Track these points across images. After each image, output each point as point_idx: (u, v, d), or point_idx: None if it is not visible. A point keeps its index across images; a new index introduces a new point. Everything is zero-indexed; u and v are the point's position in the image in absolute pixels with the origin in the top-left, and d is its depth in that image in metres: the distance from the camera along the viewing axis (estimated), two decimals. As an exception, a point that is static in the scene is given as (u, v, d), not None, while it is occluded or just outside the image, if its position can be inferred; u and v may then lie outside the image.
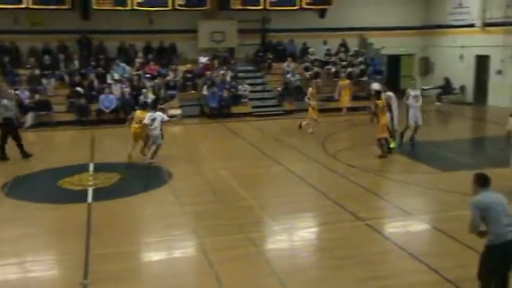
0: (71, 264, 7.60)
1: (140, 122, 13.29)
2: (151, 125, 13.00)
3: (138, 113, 13.66)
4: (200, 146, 16.07)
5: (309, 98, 17.41)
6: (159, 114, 13.21)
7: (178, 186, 11.42)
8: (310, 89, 17.75)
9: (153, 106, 14.17)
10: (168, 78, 21.58)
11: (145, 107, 14.39)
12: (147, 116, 13.11)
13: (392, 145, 13.89)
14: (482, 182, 5.79)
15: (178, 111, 20.01)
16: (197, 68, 22.57)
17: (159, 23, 22.93)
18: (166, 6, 22.14)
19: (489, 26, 22.60)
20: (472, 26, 23.32)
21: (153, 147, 13.20)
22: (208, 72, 21.87)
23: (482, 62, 23.36)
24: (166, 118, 13.52)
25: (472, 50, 23.60)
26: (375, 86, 18.22)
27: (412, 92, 15.05)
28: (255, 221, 9.22)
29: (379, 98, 13.75)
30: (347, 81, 20.35)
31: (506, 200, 5.73)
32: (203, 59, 22.92)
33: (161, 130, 13.29)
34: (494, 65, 22.60)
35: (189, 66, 22.37)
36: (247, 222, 9.06)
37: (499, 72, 22.22)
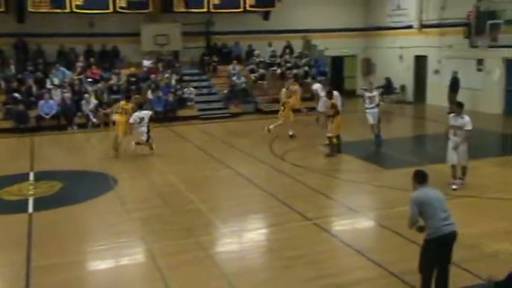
0: (10, 277, 7.30)
1: (123, 112, 14.19)
2: (140, 123, 14.03)
3: (123, 103, 14.53)
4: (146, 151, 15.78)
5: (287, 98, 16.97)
6: (146, 113, 14.34)
7: (123, 193, 11.19)
8: (284, 90, 17.25)
9: (140, 106, 14.89)
10: (111, 82, 21.12)
11: (128, 98, 15.09)
12: (134, 115, 14.02)
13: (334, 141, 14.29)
14: (420, 178, 6.04)
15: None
16: (141, 72, 22.22)
17: (100, 26, 22.43)
18: (107, 9, 21.63)
19: (426, 27, 23.48)
20: (410, 27, 24.16)
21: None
22: (152, 76, 21.59)
23: (420, 62, 24.25)
24: (151, 113, 14.97)
25: (411, 51, 24.47)
26: (316, 86, 18.59)
27: (367, 94, 15.52)
28: (203, 224, 9.16)
29: (331, 98, 14.06)
30: (296, 86, 20.15)
31: (443, 196, 5.99)
32: (147, 63, 22.61)
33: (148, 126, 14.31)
34: (431, 65, 23.49)
35: (132, 69, 21.99)
36: (196, 226, 8.99)
37: (436, 72, 23.13)
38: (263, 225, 9.44)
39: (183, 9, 22.55)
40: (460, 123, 10.35)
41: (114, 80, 21.22)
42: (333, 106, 13.87)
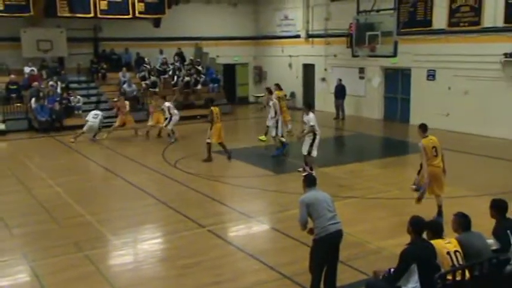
0: None
1: None
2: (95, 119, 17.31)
3: None
4: (29, 163, 14.80)
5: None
6: (101, 114, 17.86)
7: (3, 208, 10.38)
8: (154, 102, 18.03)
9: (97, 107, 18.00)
10: (-11, 90, 19.59)
11: None
12: (91, 113, 17.54)
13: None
14: (308, 182, 6.37)
15: (1, 126, 18.26)
16: (23, 79, 20.84)
17: (-26, 30, 20.74)
18: (-17, 12, 20.00)
19: (312, 37, 24.57)
20: (297, 36, 25.16)
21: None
22: (35, 83, 20.32)
23: (308, 70, 25.30)
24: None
25: (299, 59, 25.46)
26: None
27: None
28: (93, 237, 8.77)
29: (212, 106, 14.17)
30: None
31: (330, 197, 6.31)
32: (28, 69, 21.25)
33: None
34: (318, 73, 24.60)
35: (13, 77, 20.53)
36: (85, 240, 8.59)
37: (323, 79, 24.26)
38: (156, 235, 9.24)
39: (67, 14, 21.43)
40: (305, 120, 12.32)
41: (-9, 87, 19.71)
42: (211, 113, 14.00)
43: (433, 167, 8.99)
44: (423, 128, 9.32)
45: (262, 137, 16.32)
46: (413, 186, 10.72)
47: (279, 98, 16.14)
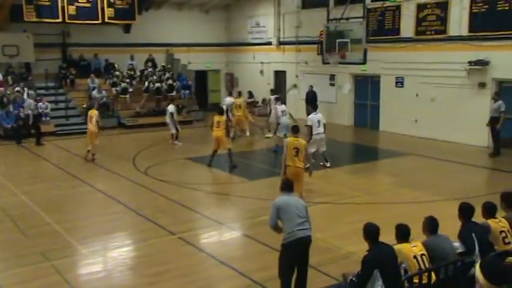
0: None
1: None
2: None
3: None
4: (-6, 170, 14.45)
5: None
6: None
7: (-33, 218, 10.08)
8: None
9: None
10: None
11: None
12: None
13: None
14: (283, 186, 6.39)
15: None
16: (-13, 85, 20.37)
17: None
18: None
19: (283, 44, 24.73)
20: (269, 44, 25.29)
21: None
22: (1, 89, 19.85)
23: (280, 77, 25.43)
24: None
25: (271, 66, 25.58)
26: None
27: (280, 107, 16.53)
28: (60, 246, 8.58)
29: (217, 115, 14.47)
30: None
31: (303, 204, 6.33)
32: (-7, 75, 20.80)
33: None
34: (290, 80, 24.75)
35: (-23, 82, 20.06)
36: (52, 249, 8.40)
37: (294, 86, 24.40)
38: (126, 243, 9.10)
39: (34, 19, 21.04)
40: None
41: (-46, 94, 19.18)
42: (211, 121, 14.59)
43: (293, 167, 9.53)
44: (295, 129, 10.22)
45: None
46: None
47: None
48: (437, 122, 18.01)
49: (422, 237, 5.82)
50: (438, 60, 17.61)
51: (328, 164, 14.01)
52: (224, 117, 14.61)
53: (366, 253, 5.28)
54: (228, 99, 19.92)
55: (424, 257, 5.32)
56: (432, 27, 18.08)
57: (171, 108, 17.90)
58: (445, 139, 17.53)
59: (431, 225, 5.74)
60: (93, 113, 15.23)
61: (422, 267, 5.25)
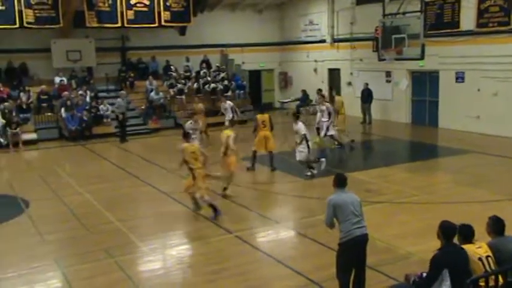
0: None
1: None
2: None
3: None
4: (60, 170, 15.09)
5: None
6: None
7: (36, 215, 10.60)
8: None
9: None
10: (20, 100, 20.06)
11: None
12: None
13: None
14: (337, 182, 6.22)
15: (33, 135, 18.68)
16: (53, 89, 21.32)
17: (6, 42, 21.28)
18: (14, 24, 20.32)
19: (337, 41, 24.46)
20: (323, 41, 25.08)
21: None
22: (65, 93, 20.75)
23: (334, 75, 25.17)
24: None
25: (325, 64, 25.36)
26: (229, 104, 18.61)
27: (319, 107, 16.56)
28: (123, 244, 8.87)
29: (260, 114, 14.33)
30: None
31: (358, 200, 6.17)
32: (58, 79, 21.73)
33: None
34: (344, 78, 24.45)
35: (44, 87, 21.01)
36: (115, 246, 8.70)
37: (349, 84, 24.09)
38: (184, 241, 9.30)
39: (96, 25, 21.86)
40: (296, 129, 12.71)
41: (23, 98, 20.18)
42: (255, 121, 14.36)
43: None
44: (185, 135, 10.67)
45: (317, 139, 16.33)
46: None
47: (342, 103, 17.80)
48: (501, 117, 17.27)
49: (485, 239, 5.61)
50: (501, 54, 16.90)
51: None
52: (267, 115, 14.26)
53: (436, 251, 5.12)
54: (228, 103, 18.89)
55: (489, 258, 5.11)
56: (495, 18, 17.35)
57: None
58: (509, 135, 16.80)
59: (496, 225, 5.51)
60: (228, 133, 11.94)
61: (488, 269, 5.05)
